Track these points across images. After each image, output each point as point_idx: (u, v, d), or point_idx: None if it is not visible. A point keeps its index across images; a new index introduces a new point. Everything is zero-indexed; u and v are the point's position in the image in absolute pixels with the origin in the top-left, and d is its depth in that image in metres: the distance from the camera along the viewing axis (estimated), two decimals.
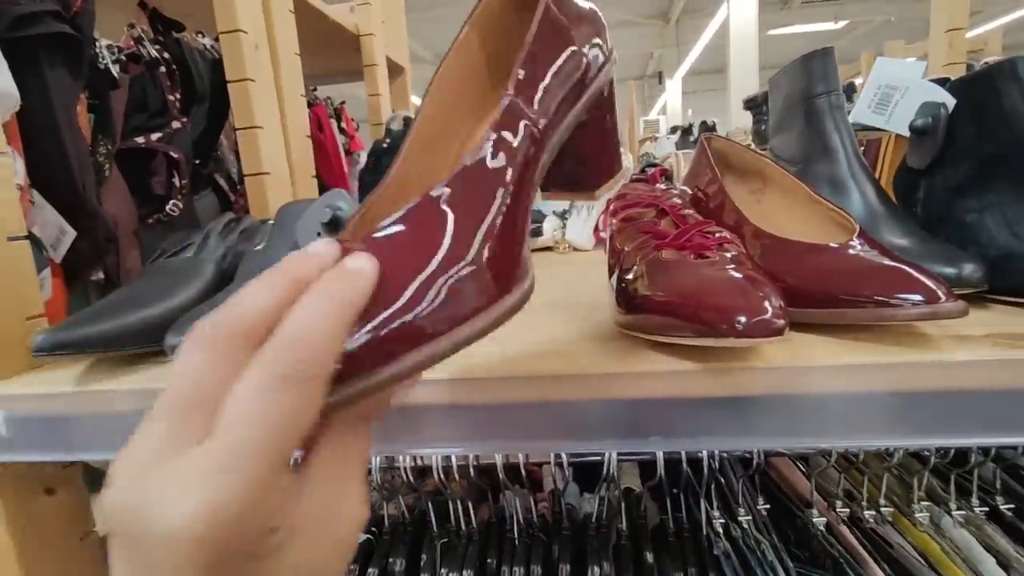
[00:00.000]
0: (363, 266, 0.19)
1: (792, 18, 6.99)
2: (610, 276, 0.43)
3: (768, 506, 0.54)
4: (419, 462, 0.56)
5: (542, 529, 0.55)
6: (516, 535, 0.54)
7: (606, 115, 0.33)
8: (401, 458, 0.55)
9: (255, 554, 0.17)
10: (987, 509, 0.53)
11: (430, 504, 0.57)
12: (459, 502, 0.55)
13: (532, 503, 0.56)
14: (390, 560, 0.54)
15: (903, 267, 0.33)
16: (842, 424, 0.32)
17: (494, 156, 0.22)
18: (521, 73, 0.24)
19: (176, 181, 0.71)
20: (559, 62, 0.26)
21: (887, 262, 0.35)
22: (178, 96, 0.72)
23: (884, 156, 0.74)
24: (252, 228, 0.51)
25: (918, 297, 0.31)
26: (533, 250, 0.49)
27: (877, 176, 0.68)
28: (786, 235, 0.40)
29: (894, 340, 0.33)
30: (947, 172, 0.47)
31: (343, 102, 1.26)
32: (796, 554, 0.51)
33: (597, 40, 0.29)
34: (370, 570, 0.54)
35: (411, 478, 0.55)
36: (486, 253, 0.21)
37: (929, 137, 0.47)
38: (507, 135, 0.23)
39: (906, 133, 0.50)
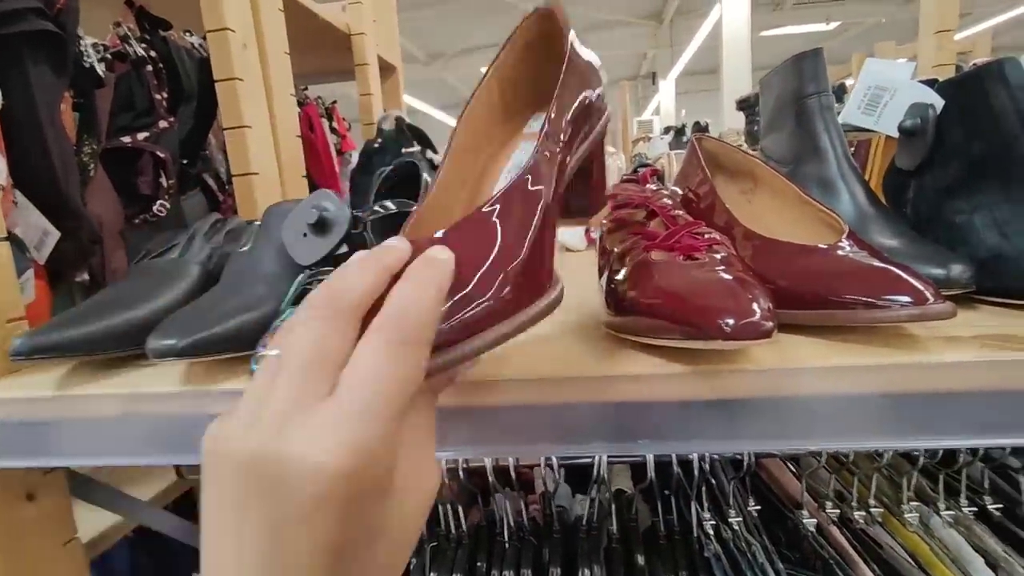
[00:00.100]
0: (444, 255, 0.23)
1: (784, 19, 7.03)
2: (600, 277, 0.43)
3: (759, 507, 0.54)
4: None
5: (532, 532, 0.55)
6: (506, 538, 0.53)
7: (601, 155, 0.38)
8: None
9: (378, 493, 0.19)
10: (976, 509, 0.53)
11: None
12: (449, 505, 0.55)
13: (523, 505, 0.56)
14: None
15: (891, 268, 0.33)
16: (831, 426, 0.32)
17: (533, 180, 0.27)
18: (553, 112, 0.29)
19: (163, 181, 0.70)
20: (578, 104, 0.32)
21: (876, 263, 0.34)
22: (165, 95, 0.71)
23: (874, 157, 0.74)
24: (238, 229, 0.51)
25: (906, 298, 0.31)
26: None
27: (867, 177, 0.68)
28: (776, 236, 0.40)
29: (883, 341, 0.33)
30: (936, 173, 0.47)
31: (334, 102, 1.25)
32: (787, 555, 0.51)
33: (600, 90, 0.34)
34: None
35: None
36: (531, 256, 0.25)
37: (918, 138, 0.47)
38: (543, 163, 0.28)
39: (895, 134, 0.50)
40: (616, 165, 1.03)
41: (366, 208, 0.44)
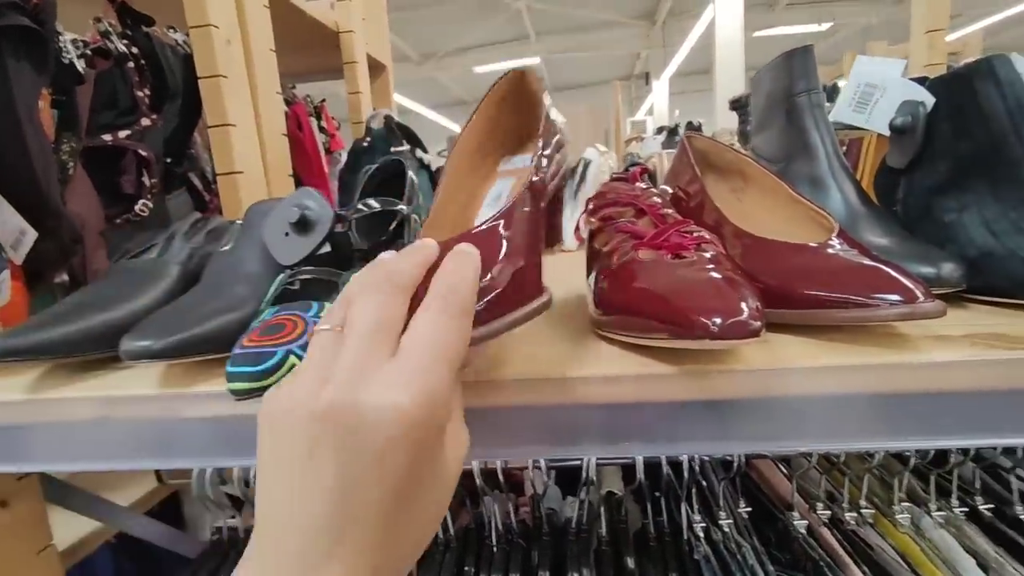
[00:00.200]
0: (471, 249, 0.27)
1: (777, 20, 7.06)
2: (588, 276, 0.42)
3: (749, 509, 0.53)
4: None
5: (521, 535, 0.54)
6: (494, 541, 0.53)
7: (560, 200, 0.45)
8: None
9: (438, 438, 0.23)
10: (967, 509, 0.53)
11: None
12: None
13: (512, 508, 0.55)
14: None
15: (881, 267, 0.33)
16: (821, 426, 0.31)
17: (532, 197, 0.32)
18: (540, 146, 0.35)
19: (146, 180, 0.69)
20: (554, 146, 0.37)
21: (866, 262, 0.34)
22: (147, 92, 0.70)
23: (866, 156, 0.74)
24: (220, 228, 0.50)
25: (896, 297, 0.31)
26: None
27: (859, 176, 0.68)
28: (766, 234, 0.39)
29: (873, 341, 0.32)
30: (926, 171, 0.46)
31: (323, 100, 1.24)
32: (777, 557, 0.51)
33: (562, 139, 0.40)
34: None
35: None
36: (532, 256, 0.30)
37: (909, 136, 0.47)
38: (534, 188, 0.33)
39: (886, 132, 0.49)
40: (608, 164, 1.03)
41: (350, 207, 0.43)
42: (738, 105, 1.45)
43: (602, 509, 0.54)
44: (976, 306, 0.39)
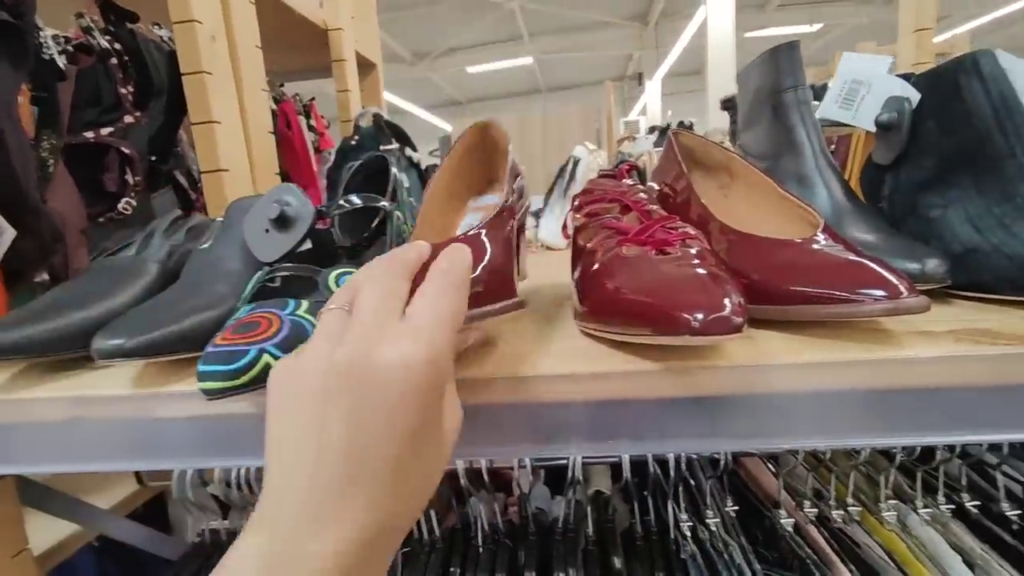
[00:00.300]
0: (464, 245, 0.29)
1: (768, 20, 7.09)
2: (572, 273, 0.42)
3: (736, 507, 0.53)
4: None
5: (508, 534, 0.54)
6: (480, 541, 0.52)
7: (522, 233, 0.48)
8: None
9: (441, 400, 0.24)
10: (953, 506, 0.53)
11: None
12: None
13: (497, 508, 0.55)
14: None
15: (865, 262, 0.33)
16: (806, 423, 0.31)
17: (505, 218, 0.35)
18: (508, 177, 0.40)
19: (129, 178, 0.68)
20: (519, 180, 0.42)
21: (850, 257, 0.34)
22: (131, 89, 0.69)
23: (855, 153, 0.74)
24: (201, 226, 0.49)
25: (880, 292, 0.31)
26: None
27: (848, 173, 0.68)
28: (752, 230, 0.39)
29: (857, 336, 0.32)
30: (912, 167, 0.46)
31: (312, 99, 1.23)
32: (764, 555, 0.50)
33: (523, 180, 0.44)
34: None
35: None
36: (508, 259, 0.33)
37: (894, 132, 0.47)
38: (510, 206, 0.36)
39: (872, 128, 0.49)
40: (597, 163, 1.03)
41: (331, 203, 0.42)
42: (729, 105, 1.44)
43: (589, 508, 0.54)
44: (961, 302, 0.39)
